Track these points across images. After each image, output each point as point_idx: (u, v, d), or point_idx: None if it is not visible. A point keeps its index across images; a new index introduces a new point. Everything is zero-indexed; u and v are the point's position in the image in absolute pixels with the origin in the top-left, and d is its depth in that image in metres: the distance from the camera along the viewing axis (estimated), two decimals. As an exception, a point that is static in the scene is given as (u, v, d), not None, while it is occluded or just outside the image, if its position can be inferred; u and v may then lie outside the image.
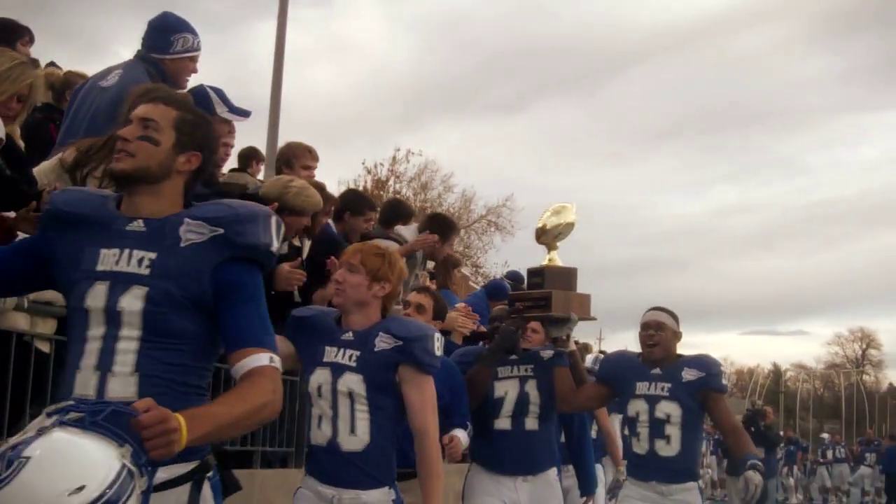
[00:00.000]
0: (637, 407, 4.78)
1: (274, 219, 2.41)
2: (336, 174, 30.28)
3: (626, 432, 4.98)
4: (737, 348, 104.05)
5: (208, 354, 2.40)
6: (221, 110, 4.38)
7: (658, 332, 4.85)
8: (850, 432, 41.63)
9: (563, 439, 5.77)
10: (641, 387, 4.80)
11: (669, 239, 74.63)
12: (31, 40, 4.61)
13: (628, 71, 75.59)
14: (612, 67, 78.86)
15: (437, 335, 3.47)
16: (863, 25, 76.36)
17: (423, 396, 3.41)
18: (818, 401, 59.78)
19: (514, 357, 4.96)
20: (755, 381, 54.86)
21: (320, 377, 3.45)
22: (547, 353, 4.98)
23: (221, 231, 2.31)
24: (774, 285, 75.55)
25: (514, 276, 8.39)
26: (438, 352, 3.44)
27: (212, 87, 4.42)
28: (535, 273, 5.04)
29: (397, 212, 6.83)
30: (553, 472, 4.94)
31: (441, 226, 6.53)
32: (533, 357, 4.99)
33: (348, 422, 3.38)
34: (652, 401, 4.74)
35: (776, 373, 60.65)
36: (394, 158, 30.35)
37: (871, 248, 79.00)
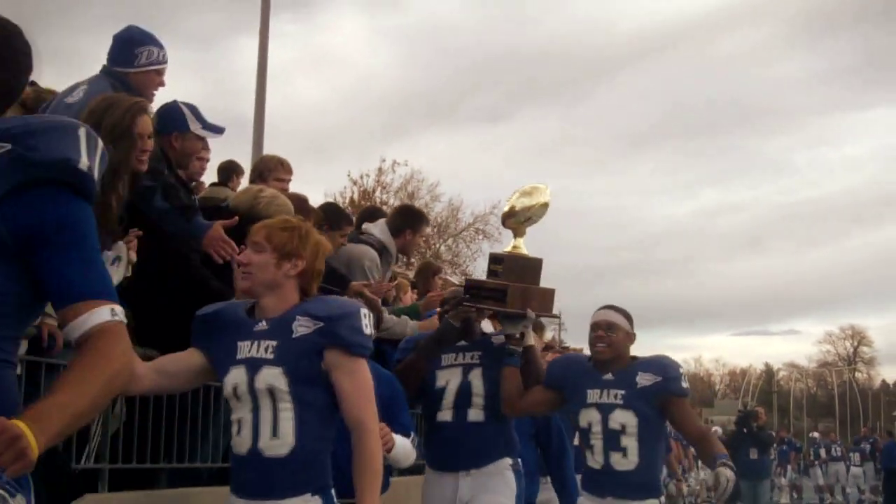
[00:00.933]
0: (589, 417, 4.32)
1: (83, 130, 1.88)
2: (322, 186, 30.32)
3: (579, 444, 4.52)
4: (728, 349, 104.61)
5: (19, 318, 1.89)
6: (195, 126, 4.34)
7: (609, 332, 4.36)
8: (844, 430, 41.67)
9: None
10: (593, 394, 4.33)
11: (657, 241, 75.12)
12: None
13: (611, 76, 76.15)
14: (595, 73, 79.28)
15: (364, 311, 3.01)
16: (842, 25, 77.25)
17: (355, 383, 2.93)
18: (811, 400, 59.87)
19: (462, 343, 4.53)
20: (748, 382, 54.92)
21: (235, 377, 2.96)
22: (499, 339, 4.54)
23: (8, 147, 1.78)
24: (764, 285, 75.97)
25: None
26: (368, 329, 2.98)
27: (185, 104, 4.38)
28: (496, 260, 4.56)
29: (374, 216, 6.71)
30: (504, 462, 4.40)
31: (409, 217, 6.31)
32: (482, 343, 4.55)
33: (270, 423, 2.92)
34: (605, 409, 4.28)
35: (769, 373, 60.83)
36: (380, 169, 30.38)
37: (858, 246, 79.60)
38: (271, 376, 2.90)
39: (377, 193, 30.39)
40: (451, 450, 4.39)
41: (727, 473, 3.96)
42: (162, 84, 4.33)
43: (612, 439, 4.23)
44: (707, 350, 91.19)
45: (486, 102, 61.79)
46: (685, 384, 4.36)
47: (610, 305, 4.47)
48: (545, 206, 4.52)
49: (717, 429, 20.24)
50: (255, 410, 2.93)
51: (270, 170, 5.34)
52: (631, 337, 4.45)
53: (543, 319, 6.13)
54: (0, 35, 1.90)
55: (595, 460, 4.29)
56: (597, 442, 4.28)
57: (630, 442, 4.22)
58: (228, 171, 6.71)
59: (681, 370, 4.35)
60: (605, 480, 4.28)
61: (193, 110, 4.40)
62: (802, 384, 62.04)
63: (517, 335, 4.40)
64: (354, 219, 6.34)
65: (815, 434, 30.76)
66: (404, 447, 3.82)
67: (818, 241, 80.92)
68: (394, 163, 30.29)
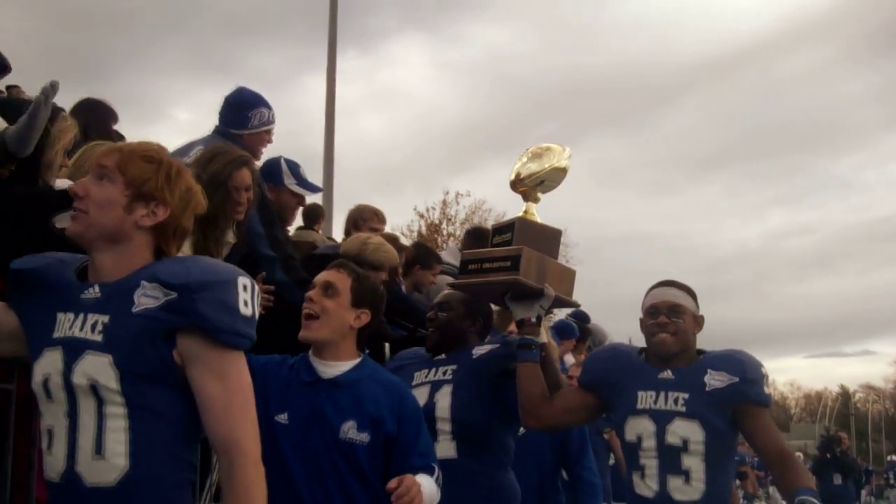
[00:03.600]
0: (640, 427, 3.24)
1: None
2: (389, 220, 30.53)
3: (625, 465, 3.44)
4: (803, 372, 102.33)
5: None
6: (289, 182, 4.53)
7: (673, 317, 3.28)
8: (926, 453, 40.50)
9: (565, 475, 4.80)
10: (646, 398, 3.25)
11: (726, 265, 73.94)
12: (117, 120, 4.80)
13: (675, 101, 75.65)
14: (658, 98, 78.89)
15: (245, 281, 2.13)
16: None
17: (223, 385, 2.06)
18: (890, 421, 58.32)
19: (440, 357, 3.64)
20: (824, 405, 53.74)
21: (48, 363, 2.07)
22: (482, 350, 3.57)
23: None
24: (837, 306, 74.41)
25: (579, 316, 8.40)
26: (247, 308, 2.10)
27: (287, 160, 4.60)
28: (501, 229, 3.64)
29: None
30: None
31: (478, 238, 6.17)
32: (460, 356, 3.58)
33: (93, 437, 2.01)
34: (661, 418, 3.20)
35: (845, 395, 59.42)
36: (444, 202, 30.58)
37: (933, 263, 77.31)
38: (95, 367, 2.01)
39: (443, 226, 30.59)
40: None
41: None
42: (270, 142, 4.57)
43: (671, 458, 3.17)
44: (780, 374, 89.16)
45: (550, 131, 61.70)
46: (768, 389, 3.31)
47: (670, 281, 3.42)
48: (560, 171, 3.63)
49: (799, 454, 19.96)
50: (72, 416, 2.04)
51: (365, 219, 5.53)
52: (699, 321, 3.37)
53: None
54: None
55: (646, 486, 3.22)
56: (649, 462, 3.21)
57: (694, 462, 3.16)
58: (314, 214, 6.95)
59: (763, 370, 3.28)
60: None
61: (293, 167, 4.58)
62: (880, 406, 60.52)
63: (533, 319, 3.42)
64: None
65: (894, 457, 30.00)
66: (430, 492, 2.84)
67: (890, 259, 79.06)
68: (457, 194, 30.48)
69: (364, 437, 2.85)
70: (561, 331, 7.82)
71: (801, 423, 57.26)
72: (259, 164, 4.29)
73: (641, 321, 3.37)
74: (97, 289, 2.10)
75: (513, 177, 3.68)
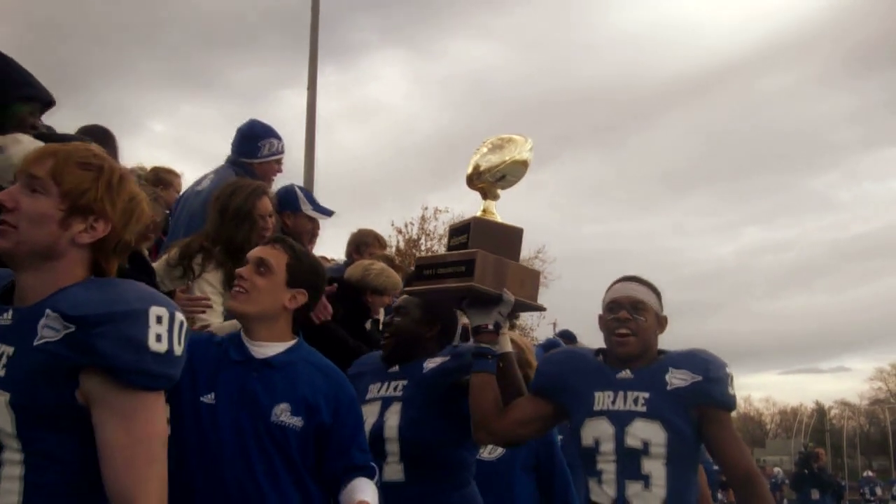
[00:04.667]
0: (597, 430, 3.00)
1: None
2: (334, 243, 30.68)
3: (582, 471, 3.14)
4: (778, 388, 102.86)
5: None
6: (306, 208, 4.75)
7: (635, 313, 3.08)
8: (900, 468, 40.94)
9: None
10: (603, 399, 3.02)
11: (702, 282, 74.45)
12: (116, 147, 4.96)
13: (652, 118, 76.34)
14: (636, 116, 79.49)
15: (161, 312, 1.85)
16: (879, 61, 76.71)
17: (128, 432, 1.80)
18: (864, 438, 58.81)
19: (394, 369, 3.43)
20: (799, 421, 54.17)
21: None
22: (434, 362, 3.37)
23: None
24: (812, 323, 75.13)
25: (566, 335, 8.56)
26: (160, 344, 1.83)
27: (300, 187, 4.89)
28: (458, 230, 3.39)
29: None
30: None
31: None
32: (411, 369, 3.38)
33: None
34: (620, 420, 2.97)
35: (820, 411, 59.88)
36: (423, 217, 30.71)
37: (906, 280, 78.27)
38: None
39: (422, 241, 30.72)
40: None
41: None
42: (280, 171, 4.88)
43: (630, 463, 2.94)
44: (756, 389, 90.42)
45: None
46: (733, 391, 3.05)
47: (634, 276, 3.22)
48: (520, 164, 3.39)
49: (778, 470, 20.08)
50: None
51: (367, 244, 5.71)
52: (662, 322, 3.16)
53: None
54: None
55: (603, 493, 2.97)
56: (607, 466, 2.97)
57: (655, 467, 2.92)
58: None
59: (727, 370, 3.05)
60: None
61: (307, 194, 4.86)
62: (855, 422, 61.01)
63: (490, 326, 3.21)
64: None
65: (870, 473, 30.35)
66: (374, 499, 2.69)
67: (865, 277, 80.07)
68: (436, 210, 30.64)
69: (297, 421, 2.66)
70: (548, 349, 7.98)
71: (776, 439, 57.61)
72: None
73: (600, 318, 3.15)
74: (10, 314, 1.86)
75: (470, 170, 3.40)
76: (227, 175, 4.45)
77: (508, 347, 3.30)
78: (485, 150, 3.41)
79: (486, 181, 3.38)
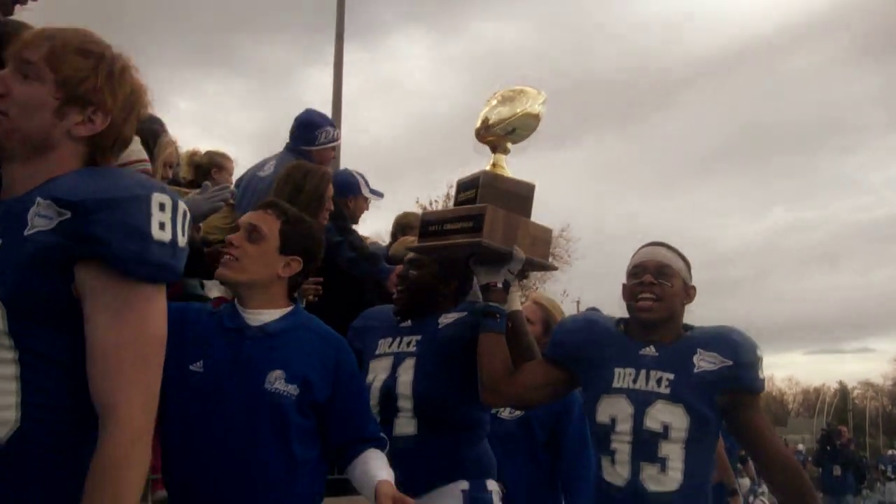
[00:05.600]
0: (614, 409, 2.84)
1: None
2: (392, 214, 30.90)
3: (595, 447, 2.97)
4: (802, 368, 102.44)
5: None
6: (365, 191, 5.07)
7: (661, 278, 2.88)
8: (922, 448, 40.95)
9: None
10: (624, 376, 2.86)
11: (728, 262, 74.27)
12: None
13: (677, 99, 75.94)
14: (661, 96, 79.06)
15: (165, 199, 1.71)
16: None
17: (118, 330, 1.64)
18: (887, 418, 58.75)
19: (406, 323, 3.28)
20: (822, 401, 54.16)
21: None
22: (449, 318, 3.21)
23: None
24: (837, 303, 74.92)
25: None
26: (163, 232, 1.69)
27: (357, 172, 5.18)
28: (466, 184, 3.20)
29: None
30: (453, 489, 3.04)
31: None
32: (426, 325, 3.23)
33: None
34: (641, 400, 2.81)
35: (843, 391, 59.85)
36: (447, 196, 30.88)
37: (932, 261, 77.71)
38: None
39: (448, 219, 30.87)
40: None
41: None
42: (334, 157, 5.09)
43: (647, 445, 2.79)
44: (779, 369, 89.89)
45: (552, 128, 61.60)
46: (763, 374, 2.87)
47: (661, 242, 3.02)
48: (532, 117, 3.21)
49: (801, 447, 20.27)
50: None
51: (413, 227, 5.98)
52: (690, 292, 2.97)
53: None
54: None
55: (616, 473, 2.82)
56: (621, 447, 2.83)
57: (673, 450, 2.77)
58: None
59: (759, 353, 2.86)
60: None
61: (363, 177, 5.16)
62: (877, 402, 60.93)
63: (499, 284, 3.07)
64: None
65: (892, 452, 30.39)
66: (390, 473, 2.58)
67: (891, 258, 79.62)
68: (460, 188, 30.78)
69: (292, 389, 2.51)
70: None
71: (798, 419, 57.59)
72: None
73: (624, 285, 2.96)
74: None
75: (479, 123, 3.22)
76: (289, 160, 4.67)
77: (518, 306, 3.16)
78: (495, 101, 3.23)
79: (496, 134, 3.20)
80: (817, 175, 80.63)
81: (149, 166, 3.81)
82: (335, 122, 14.56)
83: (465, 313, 3.21)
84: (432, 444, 3.04)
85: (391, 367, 3.15)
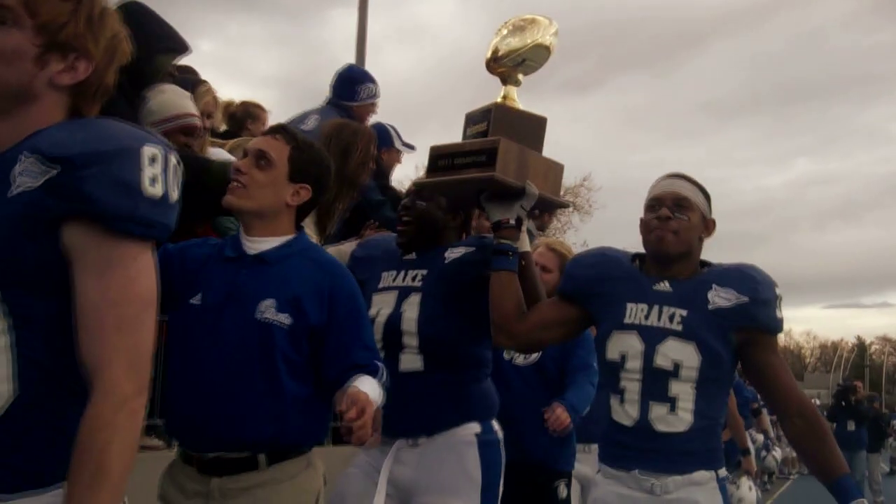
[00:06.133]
0: (625, 345, 2.74)
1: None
2: (413, 160, 30.92)
3: (603, 387, 2.87)
4: (820, 322, 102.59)
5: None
6: (398, 143, 5.24)
7: (678, 212, 2.77)
8: (939, 405, 40.97)
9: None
10: (636, 311, 2.76)
11: (748, 213, 73.99)
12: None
13: (702, 45, 74.91)
14: (686, 42, 78.03)
15: (155, 150, 1.58)
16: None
17: (103, 289, 1.52)
18: (905, 374, 58.73)
19: (410, 256, 3.20)
20: (839, 356, 54.12)
21: None
22: (456, 252, 3.13)
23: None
24: (857, 257, 74.53)
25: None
26: (156, 187, 1.56)
27: (388, 125, 5.31)
28: (476, 117, 3.08)
29: None
30: (465, 431, 3.02)
31: None
32: (431, 258, 3.15)
33: None
34: (652, 337, 2.70)
35: (861, 346, 59.78)
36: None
37: (956, 217, 76.95)
38: None
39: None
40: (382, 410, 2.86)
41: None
42: (375, 112, 5.34)
43: (657, 383, 2.68)
44: (797, 323, 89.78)
45: (575, 73, 61.63)
46: (780, 314, 2.74)
47: (680, 173, 2.89)
48: (543, 49, 3.09)
49: (817, 402, 20.31)
50: None
51: None
52: (709, 226, 2.85)
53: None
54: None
55: (625, 413, 2.73)
56: (630, 385, 2.72)
57: (683, 390, 2.67)
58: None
59: (777, 291, 2.74)
60: (635, 445, 2.71)
61: (395, 130, 5.30)
62: (895, 358, 60.86)
63: (512, 221, 2.94)
64: None
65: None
66: (374, 398, 2.40)
67: (915, 211, 78.73)
68: (483, 135, 30.64)
69: (284, 318, 2.45)
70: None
71: (815, 373, 57.69)
72: None
73: (641, 220, 2.84)
74: None
75: (489, 54, 3.10)
76: (332, 115, 4.80)
77: (528, 247, 3.06)
78: (505, 31, 3.09)
79: (506, 66, 3.08)
80: (841, 126, 79.81)
81: (197, 121, 3.82)
82: (359, 64, 14.61)
83: (473, 248, 3.12)
84: (439, 380, 2.99)
85: (395, 302, 3.07)
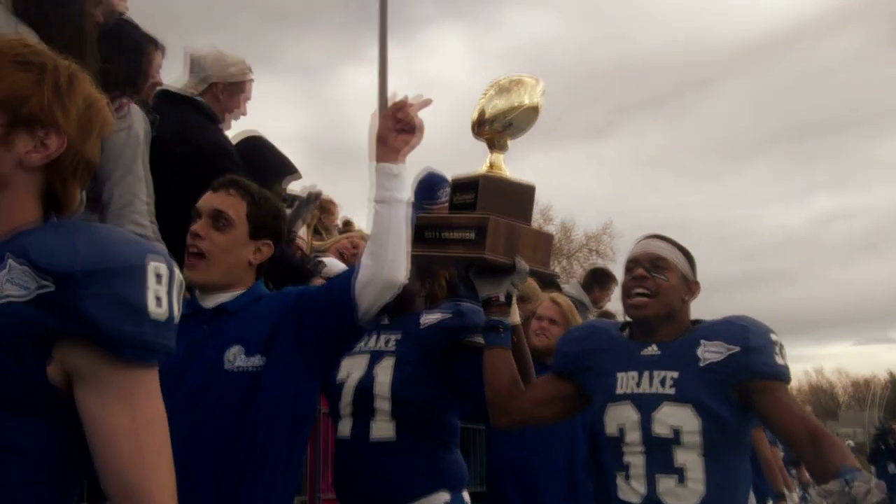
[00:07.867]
0: (621, 417, 2.61)
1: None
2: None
3: (609, 466, 2.76)
4: (851, 359, 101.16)
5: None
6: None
7: (654, 272, 2.66)
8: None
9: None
10: (626, 380, 2.63)
11: (772, 251, 73.39)
12: None
13: (716, 85, 75.22)
14: (699, 82, 78.32)
15: (160, 265, 1.46)
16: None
17: (133, 417, 1.43)
18: (940, 409, 57.89)
19: (384, 321, 3.07)
20: (873, 392, 53.39)
21: None
22: (431, 318, 3.05)
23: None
24: (885, 291, 73.75)
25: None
26: (161, 306, 1.45)
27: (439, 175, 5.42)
28: (463, 186, 2.94)
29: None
30: (437, 498, 2.93)
31: (596, 277, 7.43)
32: (406, 322, 3.07)
33: None
34: (646, 404, 2.57)
35: (894, 382, 58.95)
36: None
37: (982, 248, 76.55)
38: None
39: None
40: (349, 480, 2.99)
41: (871, 481, 2.22)
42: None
43: (661, 454, 2.53)
44: (828, 360, 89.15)
45: (590, 119, 61.75)
46: (781, 360, 2.53)
47: (658, 234, 2.79)
48: (531, 110, 2.95)
49: (850, 442, 19.99)
50: None
51: None
52: (692, 287, 2.71)
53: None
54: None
55: (632, 490, 2.57)
56: (634, 459, 2.58)
57: (690, 458, 2.50)
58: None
59: (772, 337, 2.55)
60: None
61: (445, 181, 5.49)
62: (929, 392, 60.04)
63: (502, 298, 2.83)
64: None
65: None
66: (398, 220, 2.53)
67: (939, 243, 78.27)
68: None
69: (256, 360, 2.30)
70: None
71: (849, 411, 56.88)
72: None
73: (621, 284, 2.77)
74: None
75: (475, 115, 2.97)
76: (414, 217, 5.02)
77: (517, 320, 2.95)
78: (491, 92, 2.95)
79: (494, 129, 2.95)
80: (859, 160, 79.46)
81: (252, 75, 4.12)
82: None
83: (450, 314, 3.04)
84: (411, 449, 2.91)
85: (367, 366, 3.00)
